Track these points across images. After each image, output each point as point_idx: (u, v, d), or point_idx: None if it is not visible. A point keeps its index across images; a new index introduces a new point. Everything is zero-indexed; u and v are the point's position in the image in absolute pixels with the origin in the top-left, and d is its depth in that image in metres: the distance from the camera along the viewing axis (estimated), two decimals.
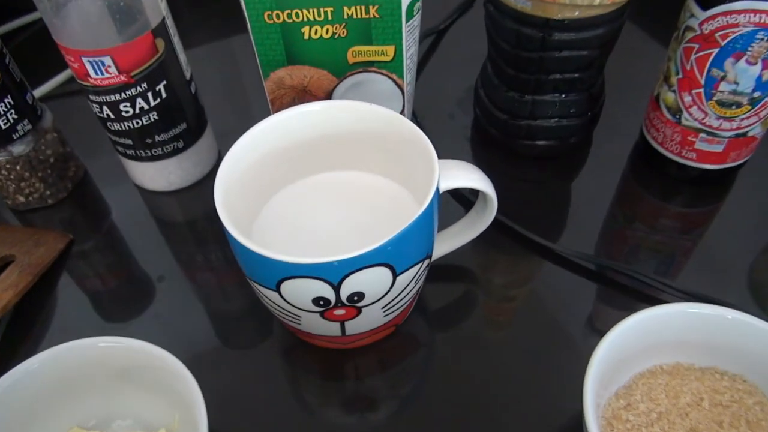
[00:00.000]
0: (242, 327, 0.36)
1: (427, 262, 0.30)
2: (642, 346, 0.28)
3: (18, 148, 0.38)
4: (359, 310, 0.29)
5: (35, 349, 0.35)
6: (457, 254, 0.36)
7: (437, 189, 0.29)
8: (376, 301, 0.29)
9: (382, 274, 0.27)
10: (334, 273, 0.26)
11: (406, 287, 0.29)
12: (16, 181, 0.39)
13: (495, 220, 0.34)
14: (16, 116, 0.37)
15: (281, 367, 0.34)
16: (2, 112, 0.36)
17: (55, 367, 0.28)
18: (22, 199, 0.40)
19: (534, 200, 0.41)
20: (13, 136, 0.37)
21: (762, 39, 0.31)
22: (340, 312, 0.28)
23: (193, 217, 0.41)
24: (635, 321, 0.27)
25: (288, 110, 0.32)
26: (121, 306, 0.37)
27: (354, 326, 0.30)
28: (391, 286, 0.28)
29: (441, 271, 0.37)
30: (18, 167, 0.38)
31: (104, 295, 0.37)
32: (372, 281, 0.27)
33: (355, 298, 0.28)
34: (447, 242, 0.35)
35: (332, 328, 0.30)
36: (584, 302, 0.36)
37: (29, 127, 0.38)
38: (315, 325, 0.30)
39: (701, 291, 0.34)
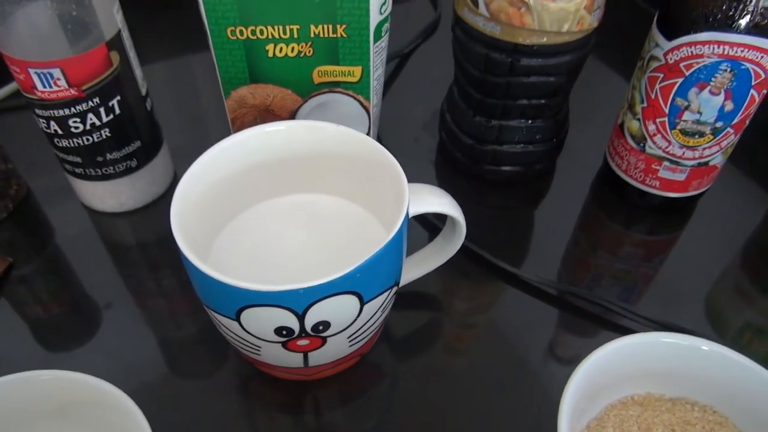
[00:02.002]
0: (196, 358, 0.33)
1: (394, 289, 0.29)
2: (614, 376, 0.28)
3: None
4: (324, 340, 0.27)
5: None
6: (421, 280, 0.35)
7: (407, 214, 0.28)
8: (342, 331, 0.27)
9: (349, 303, 0.26)
10: (299, 301, 0.25)
11: (373, 315, 0.28)
12: None
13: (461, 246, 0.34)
14: None
15: (237, 401, 0.32)
16: None
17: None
18: None
19: (498, 226, 0.41)
20: None
21: (725, 70, 0.31)
22: (303, 342, 0.27)
23: (144, 241, 0.39)
24: (609, 350, 0.27)
25: (251, 129, 0.31)
26: (64, 335, 0.34)
27: (318, 357, 0.29)
28: (358, 315, 0.27)
29: (405, 298, 0.35)
30: None
31: (45, 323, 0.35)
32: (338, 310, 0.26)
33: (320, 328, 0.26)
34: (414, 268, 0.34)
35: (295, 359, 0.28)
36: (549, 329, 0.35)
37: None
38: (276, 355, 0.28)
39: (662, 318, 0.34)
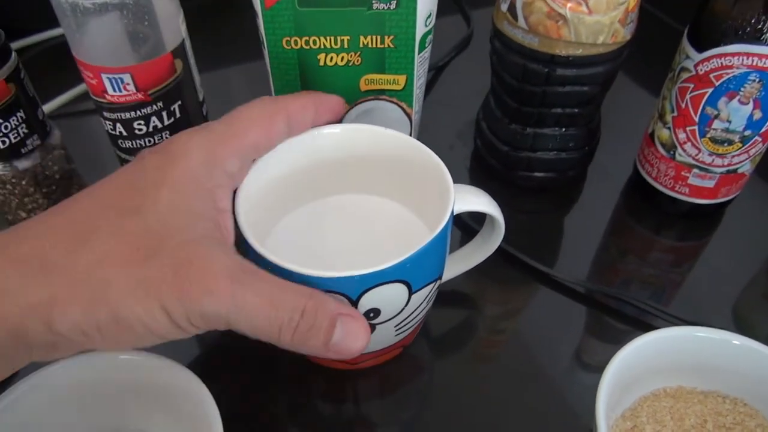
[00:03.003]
0: (252, 347, 0.35)
1: (438, 282, 0.31)
2: (647, 369, 0.29)
3: (24, 164, 0.38)
4: (373, 327, 0.29)
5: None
6: (459, 282, 0.36)
7: (452, 210, 0.29)
8: (391, 319, 0.29)
9: (398, 291, 0.28)
10: (354, 288, 0.27)
11: (418, 306, 0.30)
12: (19, 196, 0.39)
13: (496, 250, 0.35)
14: (26, 131, 0.37)
15: (283, 388, 0.34)
16: (14, 126, 0.36)
17: (71, 377, 0.27)
18: (24, 215, 0.40)
19: (531, 230, 0.42)
20: (22, 150, 0.37)
21: (754, 80, 0.33)
22: None
23: None
24: (641, 344, 0.28)
25: (308, 132, 0.33)
26: None
27: None
28: (406, 304, 0.29)
29: (444, 297, 0.37)
30: (23, 182, 0.38)
31: None
32: (389, 298, 0.28)
33: (371, 315, 0.28)
34: (456, 265, 0.35)
35: None
36: (581, 328, 0.37)
37: (38, 142, 0.38)
38: None
39: (692, 320, 0.35)
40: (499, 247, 0.38)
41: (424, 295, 0.30)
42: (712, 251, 0.41)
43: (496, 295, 0.38)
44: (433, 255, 0.29)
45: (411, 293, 0.28)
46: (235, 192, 0.29)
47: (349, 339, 0.25)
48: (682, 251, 0.41)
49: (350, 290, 0.27)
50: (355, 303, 0.27)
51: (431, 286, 0.30)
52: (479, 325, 0.37)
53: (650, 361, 0.29)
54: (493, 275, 0.39)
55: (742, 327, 0.37)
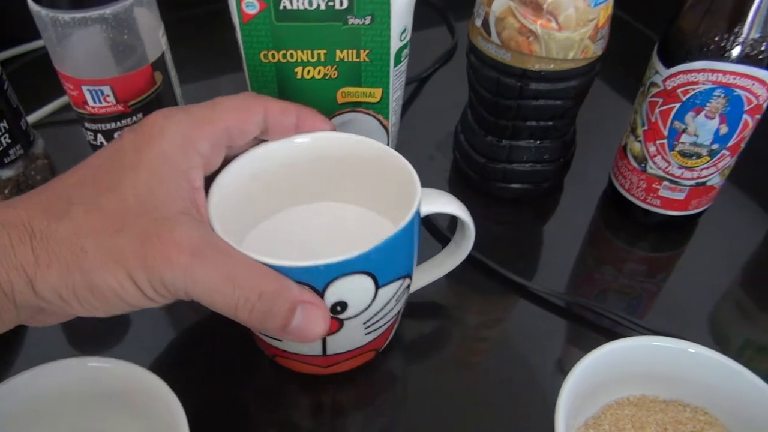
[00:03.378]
0: (222, 355, 0.36)
1: (407, 282, 0.32)
2: (610, 378, 0.30)
3: (7, 173, 0.39)
4: (341, 323, 0.30)
5: (6, 373, 0.34)
6: (434, 290, 0.37)
7: (418, 210, 0.30)
8: (359, 314, 0.30)
9: (365, 284, 0.28)
10: (320, 278, 0.27)
11: (387, 304, 0.30)
12: None
13: (471, 257, 0.36)
14: (9, 141, 0.38)
15: (256, 396, 0.34)
16: None
17: (41, 385, 0.28)
18: None
19: (508, 240, 0.43)
20: (5, 160, 0.38)
21: (719, 96, 0.34)
22: None
23: None
24: (603, 353, 0.29)
25: (281, 141, 0.33)
26: (99, 331, 0.37)
27: (336, 343, 0.31)
28: (373, 299, 0.29)
29: (420, 307, 0.38)
30: (6, 191, 0.39)
31: (81, 320, 0.38)
32: (355, 290, 0.28)
33: (339, 308, 0.29)
34: (428, 272, 0.36)
35: (313, 344, 0.31)
36: (555, 339, 0.37)
37: (21, 152, 0.39)
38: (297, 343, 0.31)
39: (668, 331, 0.36)
40: (476, 258, 0.39)
41: (392, 292, 0.30)
42: (687, 262, 0.42)
43: (472, 306, 0.39)
44: (398, 249, 0.29)
45: (378, 287, 0.29)
46: (207, 196, 0.30)
47: (308, 325, 0.26)
48: (657, 262, 0.42)
49: (315, 280, 0.27)
50: (321, 294, 0.28)
51: (399, 282, 0.30)
52: (456, 334, 0.37)
53: (611, 371, 0.29)
54: (470, 286, 0.40)
55: (717, 337, 0.37)
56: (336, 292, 0.28)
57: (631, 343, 0.29)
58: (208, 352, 0.36)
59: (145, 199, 0.25)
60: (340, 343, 0.32)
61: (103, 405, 0.29)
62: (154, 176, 0.26)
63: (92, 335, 0.37)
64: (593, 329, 0.38)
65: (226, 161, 0.31)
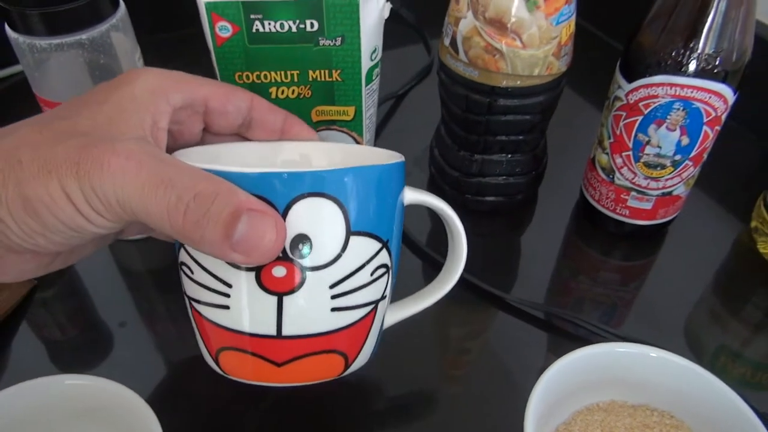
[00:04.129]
0: (197, 370, 0.36)
1: (384, 255, 0.28)
2: (578, 385, 0.31)
3: None
4: (303, 274, 0.25)
5: None
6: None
7: (401, 167, 0.29)
8: (325, 266, 0.26)
9: (334, 216, 0.25)
10: (281, 192, 0.24)
11: (359, 270, 0.27)
12: None
13: None
14: None
15: (232, 412, 0.35)
16: None
17: (18, 404, 0.28)
18: None
19: (485, 252, 0.44)
20: None
21: (678, 109, 0.35)
22: (279, 271, 0.25)
23: (156, 266, 0.43)
24: (568, 361, 0.29)
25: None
26: (82, 350, 0.37)
27: (294, 312, 0.26)
28: (343, 248, 0.26)
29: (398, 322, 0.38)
30: None
31: (65, 340, 0.38)
32: (322, 222, 0.25)
33: (300, 246, 0.25)
34: (422, 300, 0.34)
35: (268, 313, 0.26)
36: (535, 348, 0.38)
37: None
38: (248, 301, 0.26)
39: (643, 338, 0.36)
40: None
41: (364, 253, 0.27)
42: (659, 270, 0.43)
43: (453, 316, 0.40)
44: (374, 191, 0.26)
45: (348, 230, 0.25)
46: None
47: (256, 234, 0.22)
48: (630, 270, 0.43)
49: (276, 194, 0.24)
50: (282, 218, 0.24)
51: (373, 244, 0.27)
52: (437, 346, 0.38)
53: (579, 378, 0.30)
54: (450, 296, 0.40)
55: (692, 344, 0.38)
56: (299, 218, 0.24)
57: (596, 350, 0.30)
58: (188, 372, 0.37)
59: (101, 124, 0.24)
60: (299, 315, 0.26)
61: (85, 422, 0.29)
62: (116, 109, 0.25)
63: (75, 355, 0.37)
64: (571, 339, 0.38)
65: (206, 143, 0.30)
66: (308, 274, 0.25)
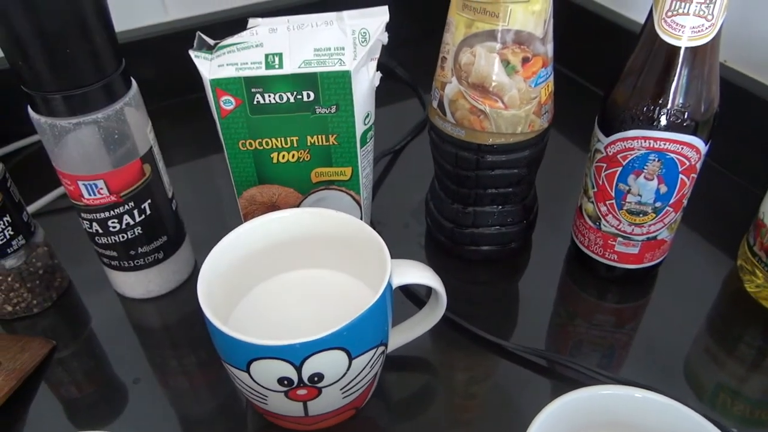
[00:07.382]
0: (215, 421, 0.38)
1: (382, 349, 0.34)
2: (569, 428, 0.32)
3: (10, 262, 0.42)
4: (319, 391, 0.32)
5: None
6: (416, 346, 0.39)
7: (389, 283, 0.33)
8: (335, 383, 0.32)
9: (338, 357, 0.31)
10: (296, 354, 0.30)
11: (362, 371, 0.33)
12: (5, 292, 0.42)
13: (450, 319, 0.38)
14: (12, 233, 0.41)
15: None
16: (0, 230, 0.40)
17: None
18: (9, 308, 0.43)
19: (483, 299, 0.46)
20: (8, 250, 0.41)
21: (654, 160, 0.37)
22: (302, 392, 0.32)
23: (169, 322, 0.45)
24: (558, 405, 0.30)
25: (264, 216, 0.37)
26: (98, 407, 0.39)
27: (316, 407, 0.33)
28: (348, 369, 0.32)
29: (403, 363, 0.40)
30: (9, 279, 0.42)
31: (81, 397, 0.40)
32: (330, 363, 0.31)
33: (315, 379, 0.31)
34: (403, 334, 0.39)
35: (296, 408, 0.33)
36: (533, 394, 0.39)
37: (23, 242, 0.42)
38: (280, 405, 0.33)
39: (642, 381, 0.37)
40: (452, 319, 0.42)
41: (366, 361, 0.33)
42: (653, 311, 0.44)
43: (455, 361, 0.41)
44: (370, 324, 0.32)
45: (351, 359, 0.32)
46: (198, 277, 0.33)
47: None
48: (624, 313, 0.44)
49: (293, 357, 0.30)
50: (298, 368, 0.30)
51: (373, 351, 0.33)
52: (435, 393, 0.39)
53: (570, 423, 0.31)
54: (451, 342, 0.42)
55: (691, 384, 0.39)
56: (312, 365, 0.31)
57: (582, 394, 0.31)
58: (201, 427, 0.38)
59: None
60: (320, 407, 0.34)
61: None
62: None
63: (91, 412, 0.39)
64: (571, 383, 0.39)
65: None
66: (323, 390, 0.32)
